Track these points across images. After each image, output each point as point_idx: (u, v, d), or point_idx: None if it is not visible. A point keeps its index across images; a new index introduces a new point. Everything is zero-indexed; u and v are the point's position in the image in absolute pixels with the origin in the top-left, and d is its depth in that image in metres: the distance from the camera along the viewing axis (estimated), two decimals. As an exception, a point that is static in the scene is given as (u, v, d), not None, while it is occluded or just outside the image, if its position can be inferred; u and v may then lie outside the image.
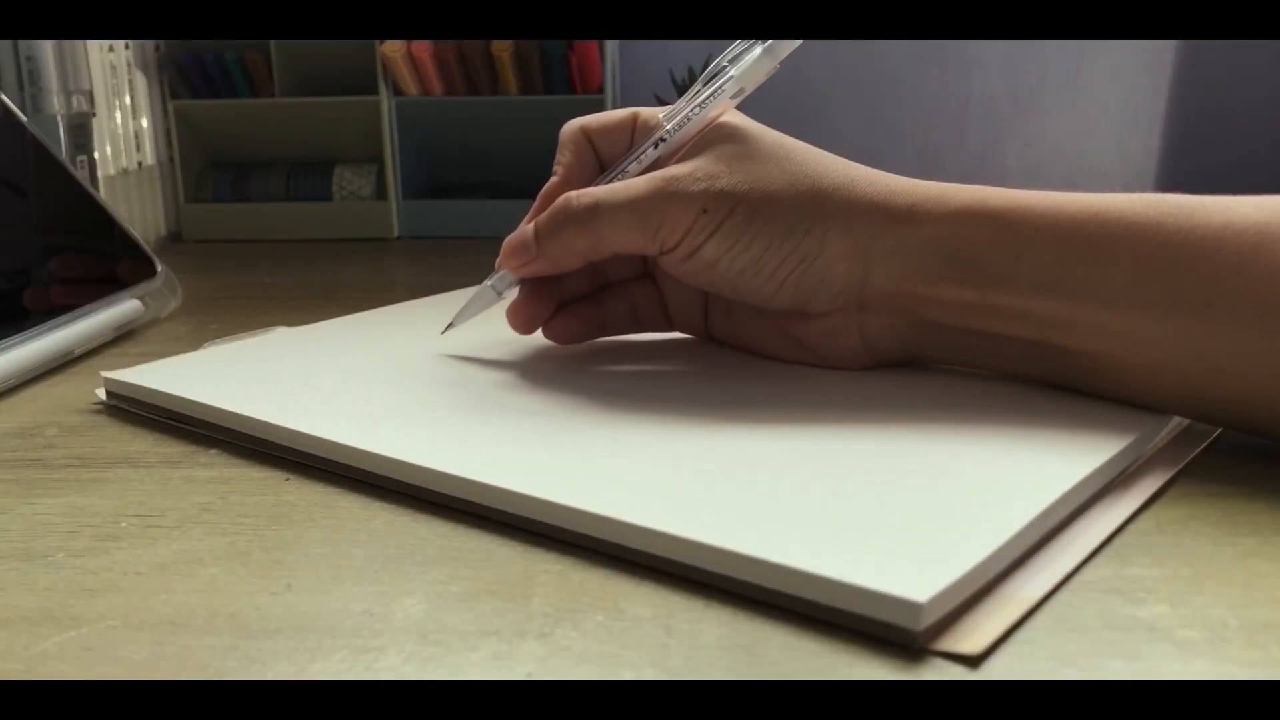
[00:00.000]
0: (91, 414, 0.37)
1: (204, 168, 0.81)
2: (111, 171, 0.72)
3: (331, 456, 0.31)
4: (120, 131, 0.73)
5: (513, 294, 0.39)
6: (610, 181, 0.36)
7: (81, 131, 0.66)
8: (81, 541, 0.27)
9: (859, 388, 0.35)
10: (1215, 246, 0.29)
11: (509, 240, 0.37)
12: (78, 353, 0.44)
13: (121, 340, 0.48)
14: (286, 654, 0.21)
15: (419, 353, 0.40)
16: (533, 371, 0.38)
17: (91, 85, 0.68)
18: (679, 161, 0.35)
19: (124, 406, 0.37)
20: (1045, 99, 0.97)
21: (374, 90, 0.76)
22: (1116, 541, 0.26)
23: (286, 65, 0.78)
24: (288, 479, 0.31)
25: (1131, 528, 0.27)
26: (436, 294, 0.52)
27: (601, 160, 0.38)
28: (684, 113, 0.36)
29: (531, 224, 0.37)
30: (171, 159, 0.79)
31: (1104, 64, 0.96)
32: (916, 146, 0.99)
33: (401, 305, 0.50)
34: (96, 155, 0.68)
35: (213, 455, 0.33)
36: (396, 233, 0.79)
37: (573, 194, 0.35)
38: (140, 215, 0.75)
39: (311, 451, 0.31)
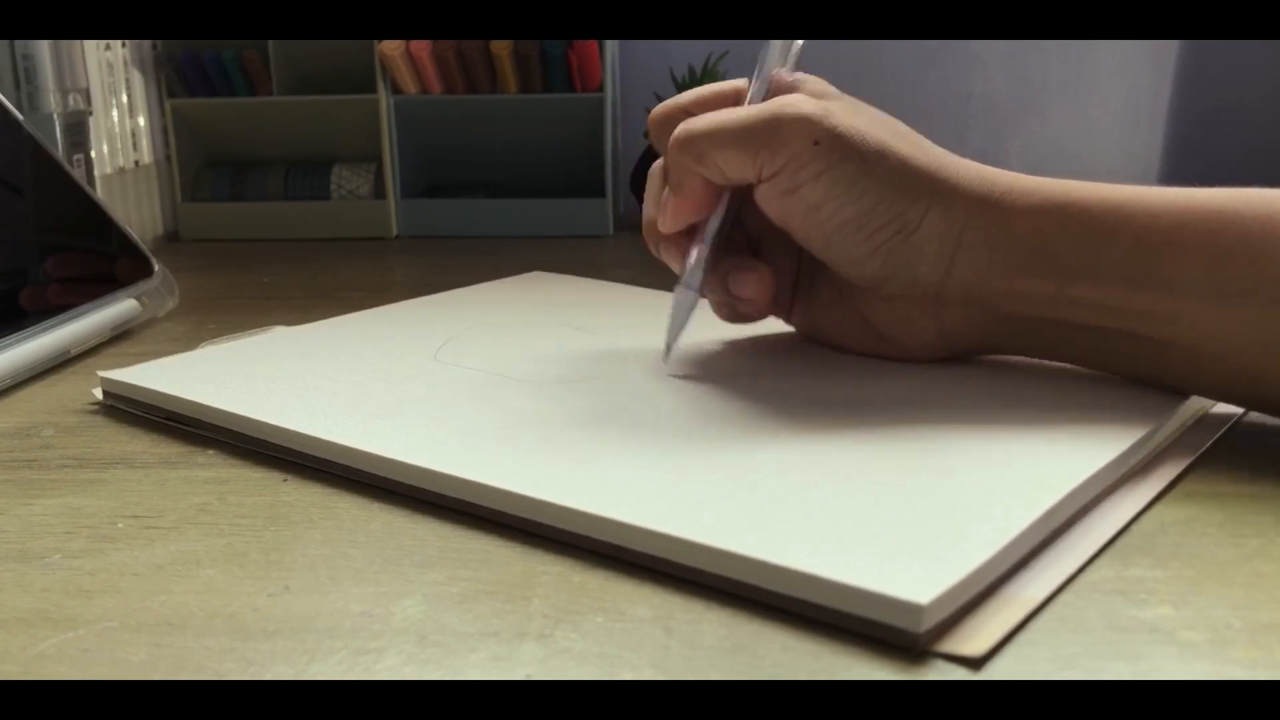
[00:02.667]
0: (88, 414, 0.37)
1: (201, 167, 0.81)
2: (108, 170, 0.72)
3: (330, 457, 0.31)
4: (117, 130, 0.73)
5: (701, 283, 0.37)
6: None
7: (78, 130, 0.66)
8: (78, 542, 0.27)
9: (860, 388, 0.35)
10: None
11: (647, 196, 0.37)
12: (74, 353, 0.44)
13: (118, 340, 0.48)
14: (285, 655, 0.21)
15: (418, 353, 0.40)
16: (532, 372, 0.38)
17: (88, 83, 0.68)
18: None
19: (121, 407, 0.37)
20: (1047, 97, 0.97)
21: (372, 89, 0.76)
22: (1119, 542, 0.26)
23: (284, 64, 0.78)
24: (285, 479, 0.31)
25: (1134, 529, 0.27)
26: (436, 293, 0.52)
27: None
28: (755, 79, 0.36)
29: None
30: (169, 158, 0.79)
31: (1107, 62, 0.96)
32: (918, 145, 0.99)
33: (400, 305, 0.50)
34: (93, 154, 0.68)
35: (210, 455, 0.33)
36: (395, 232, 0.79)
37: (689, 119, 0.35)
38: (137, 214, 0.75)
39: (310, 452, 0.31)
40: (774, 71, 0.36)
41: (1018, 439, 0.30)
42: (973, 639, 0.21)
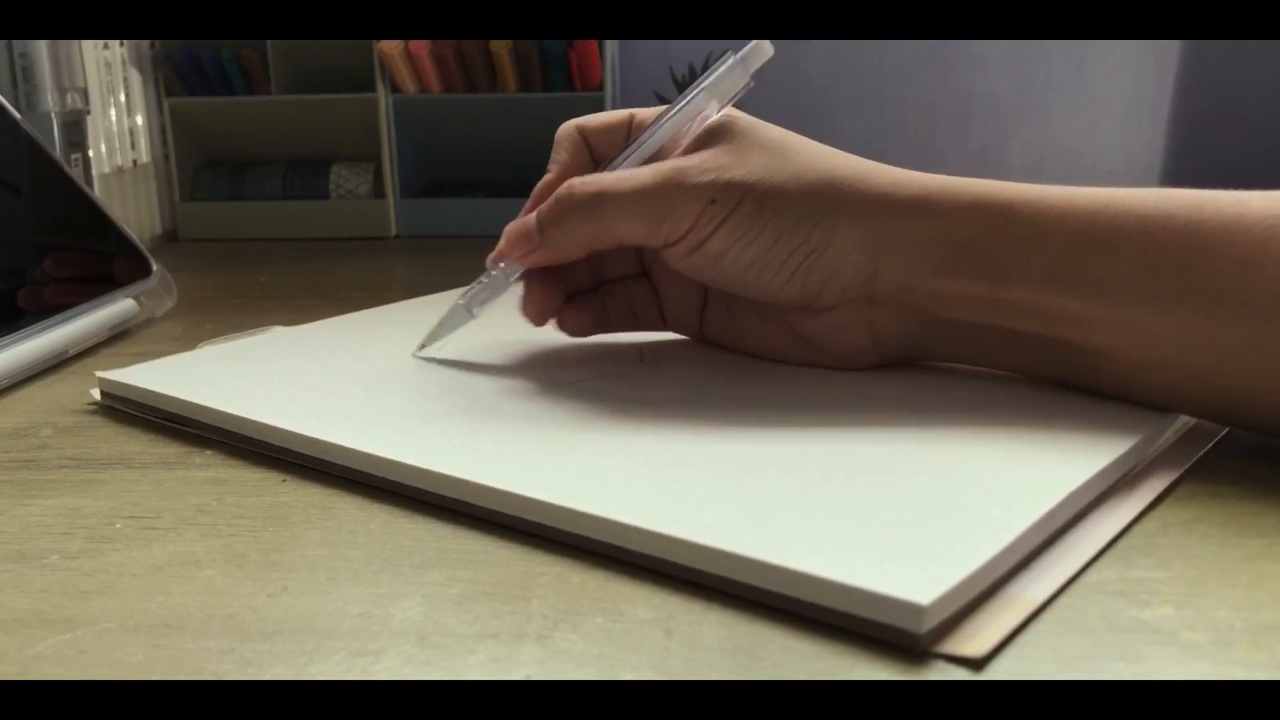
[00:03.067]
0: (86, 414, 0.37)
1: (200, 166, 0.81)
2: (106, 170, 0.72)
3: (328, 457, 0.31)
4: (115, 129, 0.73)
5: (484, 310, 0.39)
6: (623, 163, 0.36)
7: (76, 129, 0.66)
8: (76, 543, 0.27)
9: (861, 388, 0.35)
10: (1225, 240, 0.29)
11: (510, 228, 0.37)
12: (72, 353, 0.44)
13: (116, 340, 0.48)
14: (283, 656, 0.21)
15: (417, 353, 0.40)
16: (531, 373, 0.38)
17: (86, 82, 0.68)
18: (683, 154, 0.35)
19: (119, 407, 0.37)
20: (1049, 97, 0.97)
21: (371, 88, 0.76)
22: (1121, 543, 0.26)
23: (283, 63, 0.78)
24: (284, 480, 0.31)
25: (1136, 529, 0.27)
26: (434, 293, 0.52)
27: (597, 161, 0.38)
28: (667, 115, 0.36)
29: (534, 213, 0.36)
30: (167, 157, 0.79)
31: (1108, 61, 0.96)
32: (919, 144, 0.99)
33: (399, 305, 0.50)
34: (91, 153, 0.68)
35: (208, 456, 0.33)
36: (394, 231, 0.79)
37: (576, 180, 0.35)
38: (135, 214, 0.75)
39: (308, 452, 0.31)
40: (699, 111, 0.36)
41: (1019, 439, 0.30)
42: (974, 640, 0.21)
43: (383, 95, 0.76)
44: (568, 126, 0.38)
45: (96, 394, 0.38)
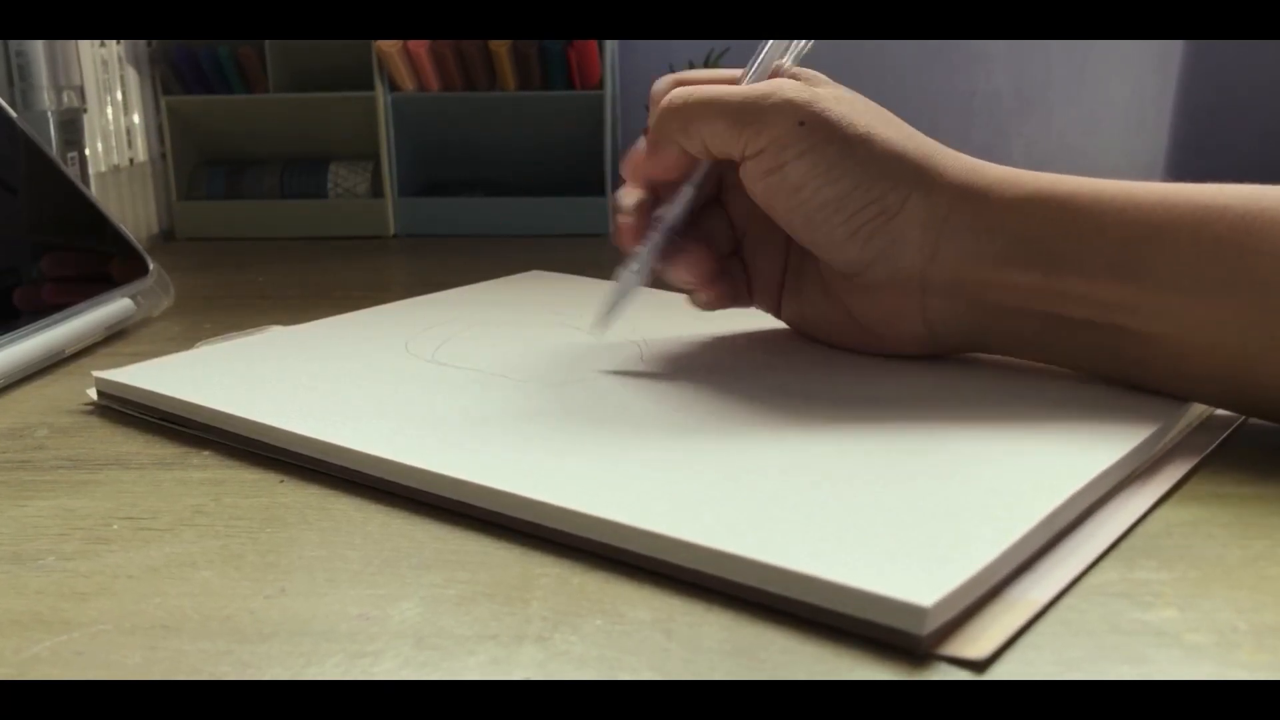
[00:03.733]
0: (83, 415, 0.37)
1: (197, 164, 0.81)
2: (103, 168, 0.72)
3: (326, 458, 0.31)
4: (112, 128, 0.73)
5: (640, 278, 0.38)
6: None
7: (72, 128, 0.66)
8: (72, 544, 0.27)
9: (863, 388, 0.35)
10: (1274, 227, 0.30)
11: (629, 151, 0.38)
12: (69, 352, 0.44)
13: (113, 340, 0.48)
14: (281, 658, 0.21)
15: (415, 353, 0.40)
16: (531, 373, 0.38)
17: (82, 81, 0.68)
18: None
19: (115, 407, 0.37)
20: (1051, 94, 0.97)
21: (369, 86, 0.76)
22: (1124, 544, 0.26)
23: (280, 61, 0.78)
24: (282, 481, 0.31)
25: (1139, 530, 0.27)
26: (433, 293, 0.52)
27: None
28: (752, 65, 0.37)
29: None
30: (164, 155, 0.79)
31: (1111, 59, 0.96)
32: (920, 143, 0.99)
33: (398, 304, 0.50)
34: (88, 152, 0.68)
35: (206, 456, 0.33)
36: (392, 231, 0.79)
37: (681, 88, 0.36)
38: (132, 213, 0.75)
39: (306, 453, 0.31)
40: (775, 63, 0.37)
41: (1021, 440, 0.30)
42: (976, 642, 0.21)
43: (381, 94, 0.76)
44: (665, 81, 0.38)
45: (93, 394, 0.38)
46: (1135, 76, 0.96)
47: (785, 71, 0.37)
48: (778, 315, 0.41)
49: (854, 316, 0.37)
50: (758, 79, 0.36)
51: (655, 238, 0.37)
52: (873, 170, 0.34)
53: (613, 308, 0.39)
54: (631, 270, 0.38)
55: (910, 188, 0.34)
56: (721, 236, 0.39)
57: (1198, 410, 0.34)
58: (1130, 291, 0.31)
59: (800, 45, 0.37)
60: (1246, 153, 0.93)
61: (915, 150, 0.34)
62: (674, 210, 0.37)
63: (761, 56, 0.37)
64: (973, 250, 0.34)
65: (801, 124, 0.34)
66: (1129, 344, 0.32)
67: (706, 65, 0.78)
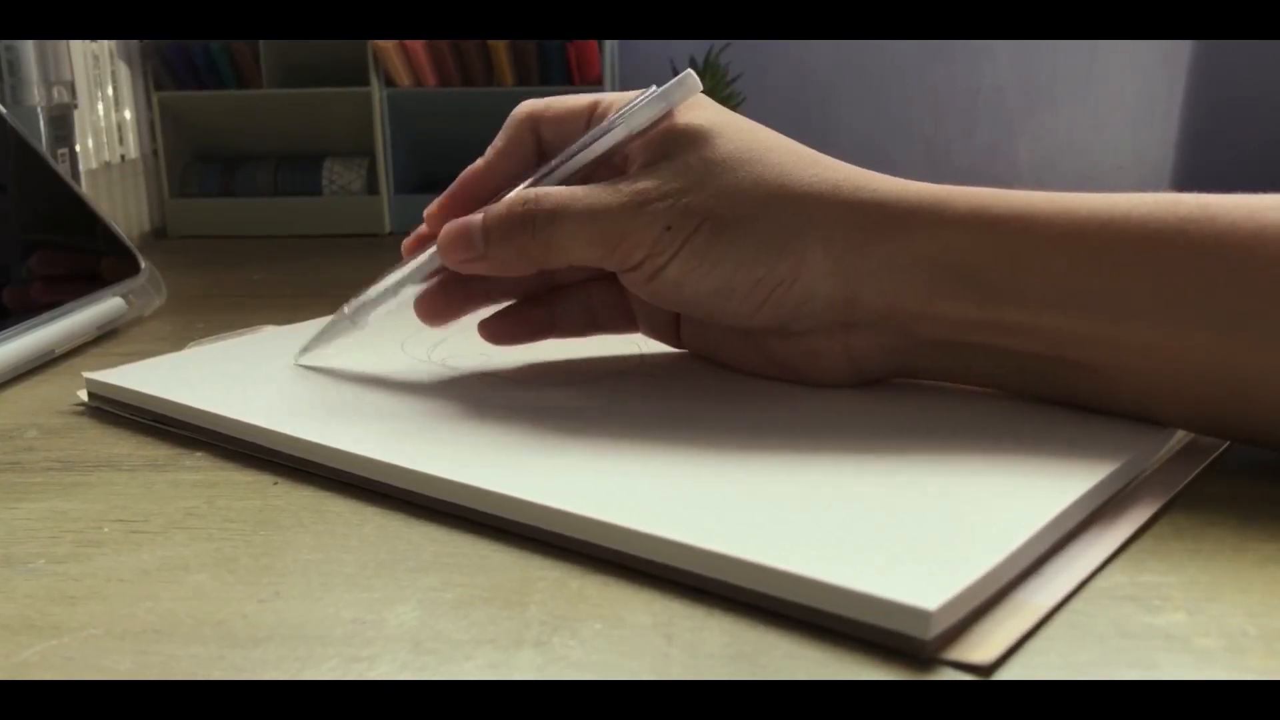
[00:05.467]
0: (73, 416, 0.37)
1: (189, 161, 0.81)
2: (94, 165, 0.72)
3: (321, 460, 0.31)
4: (103, 124, 0.73)
5: (362, 328, 0.37)
6: (541, 181, 0.34)
7: (62, 124, 0.66)
8: (63, 547, 0.27)
9: (867, 397, 0.35)
10: (1245, 260, 0.28)
11: (450, 229, 0.34)
12: (59, 352, 0.44)
13: (104, 340, 0.48)
14: (275, 663, 0.21)
15: (411, 354, 0.40)
16: (529, 374, 0.38)
17: (73, 76, 0.68)
18: (645, 165, 0.33)
19: (106, 408, 0.37)
20: (1057, 91, 0.97)
21: (365, 81, 0.76)
22: (1131, 547, 0.26)
23: (274, 56, 0.78)
24: (276, 482, 0.31)
25: (1147, 533, 0.27)
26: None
27: (545, 150, 0.36)
28: (589, 139, 0.34)
29: (480, 216, 0.34)
30: (156, 152, 0.79)
31: (1118, 55, 0.96)
32: (925, 140, 0.99)
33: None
34: (78, 148, 0.68)
35: (198, 458, 0.33)
36: (388, 228, 0.79)
37: (533, 193, 0.33)
38: (123, 210, 0.75)
39: (300, 454, 0.31)
40: (658, 112, 0.34)
41: (1027, 444, 0.30)
42: (981, 646, 0.21)
43: (376, 89, 0.76)
44: (518, 111, 0.36)
45: (83, 395, 0.38)
46: (1143, 72, 0.96)
47: (669, 116, 0.34)
48: (675, 346, 0.39)
49: (771, 357, 0.35)
50: (635, 120, 0.34)
51: (392, 286, 0.36)
52: (750, 245, 0.32)
53: (323, 341, 0.38)
54: (345, 316, 0.37)
55: (801, 244, 0.31)
56: (519, 279, 0.37)
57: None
58: (1078, 323, 0.29)
59: (682, 80, 0.34)
60: (1256, 149, 0.93)
61: (806, 194, 0.32)
62: (411, 268, 0.36)
63: (634, 108, 0.34)
64: (895, 285, 0.31)
65: (668, 228, 0.32)
66: (1082, 377, 0.31)
67: (707, 62, 0.78)
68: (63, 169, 0.61)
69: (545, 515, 0.26)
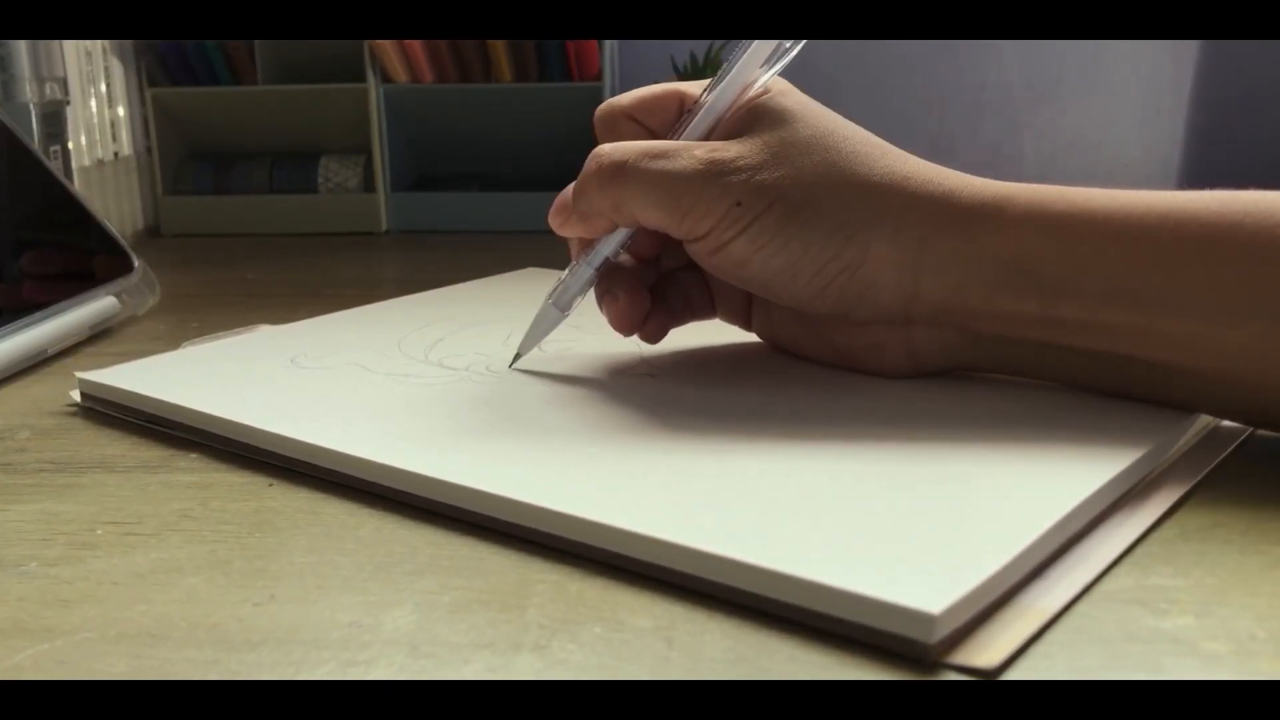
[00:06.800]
0: (66, 416, 0.37)
1: (183, 158, 0.81)
2: (86, 162, 0.72)
3: (317, 461, 0.31)
4: (96, 120, 0.73)
5: (574, 307, 0.37)
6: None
7: (55, 120, 0.66)
8: (55, 550, 0.27)
9: (870, 396, 0.35)
10: None
11: (558, 197, 0.36)
12: (51, 352, 0.44)
13: (97, 339, 0.48)
14: (270, 667, 0.21)
15: (408, 353, 0.40)
16: (527, 375, 0.38)
17: (65, 72, 0.68)
18: (725, 138, 0.34)
19: (100, 409, 0.37)
20: (1063, 87, 0.97)
21: (361, 78, 0.76)
22: (1138, 550, 0.26)
23: (270, 52, 0.78)
24: (271, 484, 0.31)
25: (1154, 536, 0.27)
26: (427, 291, 0.52)
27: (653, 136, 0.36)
28: (716, 84, 0.35)
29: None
30: (149, 149, 0.79)
31: (1125, 50, 0.95)
32: (929, 135, 0.99)
33: (390, 302, 0.50)
34: (71, 145, 0.68)
35: (193, 459, 0.33)
36: (385, 226, 0.79)
37: (604, 147, 0.34)
38: (117, 208, 0.75)
39: (296, 456, 0.31)
40: (749, 79, 0.35)
41: (1031, 445, 0.30)
42: (986, 650, 0.21)
43: (373, 85, 0.76)
44: (604, 109, 0.37)
45: (76, 395, 0.38)
46: (1150, 67, 0.96)
47: (755, 93, 0.35)
48: (747, 329, 0.40)
49: (831, 344, 0.36)
50: (723, 101, 0.34)
51: (586, 271, 0.37)
52: (821, 230, 0.32)
53: (535, 339, 0.38)
54: (554, 305, 0.37)
55: (871, 233, 0.32)
56: (653, 259, 0.38)
57: (1211, 416, 0.34)
58: (1135, 319, 0.30)
59: (785, 49, 0.35)
60: (1265, 145, 0.93)
61: (879, 184, 0.32)
62: (607, 247, 0.36)
63: (732, 74, 0.34)
64: (958, 281, 0.32)
65: (739, 204, 0.32)
66: (1137, 371, 0.32)
67: (708, 59, 0.78)
68: (55, 166, 0.61)
69: (544, 517, 0.26)
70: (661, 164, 0.33)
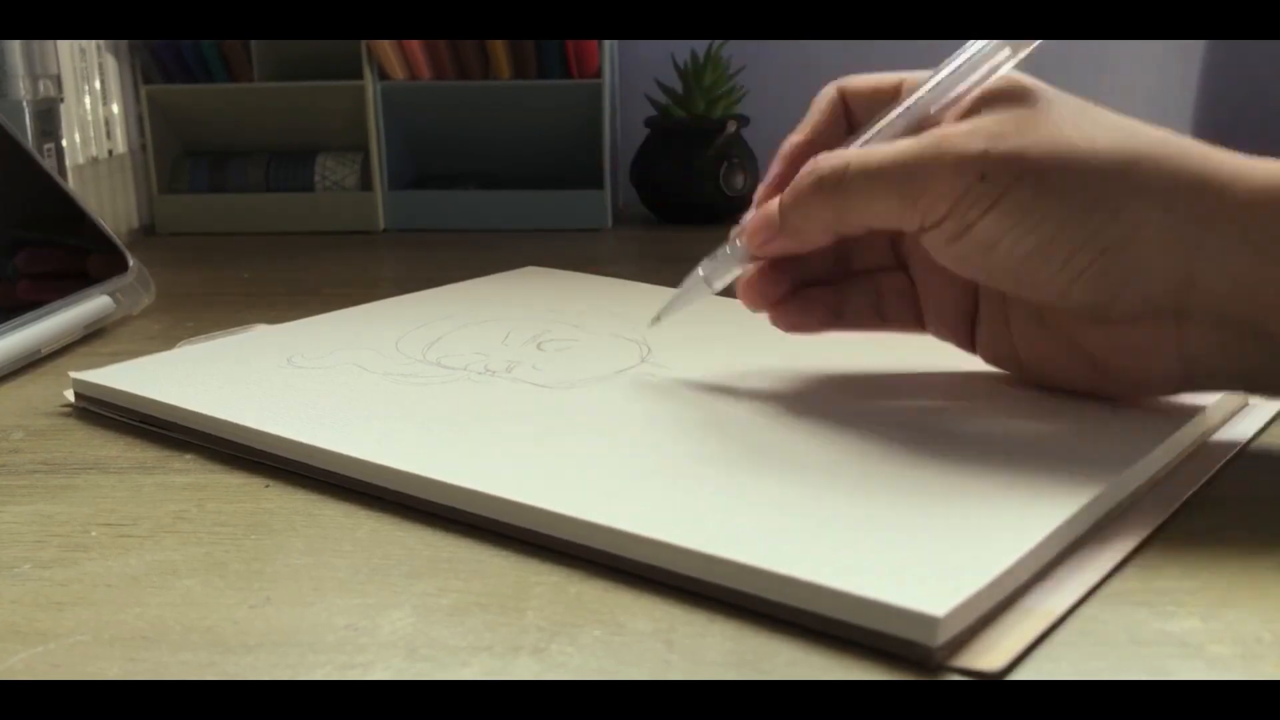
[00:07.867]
0: (60, 417, 0.37)
1: (179, 156, 0.81)
2: (80, 160, 0.72)
3: (313, 462, 0.31)
4: (90, 118, 0.73)
5: (723, 284, 0.36)
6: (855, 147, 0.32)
7: (49, 118, 0.66)
8: (49, 552, 0.27)
9: (873, 398, 0.35)
10: None
11: (756, 215, 0.33)
12: (45, 352, 0.44)
13: (92, 339, 0.48)
14: (266, 670, 0.21)
15: (406, 352, 0.40)
16: (526, 373, 0.38)
17: (59, 69, 0.68)
18: (954, 120, 0.31)
19: (94, 409, 0.37)
20: (1068, 85, 0.97)
21: (358, 75, 0.76)
22: (1144, 552, 0.26)
23: (266, 49, 0.78)
24: (267, 485, 0.31)
25: (1160, 537, 0.27)
26: (425, 290, 0.52)
27: (853, 126, 0.34)
28: (946, 72, 0.32)
29: (778, 197, 0.33)
30: (144, 147, 0.79)
31: (1131, 48, 0.96)
32: (932, 134, 0.99)
33: (388, 302, 0.50)
34: (65, 143, 0.68)
35: (188, 460, 0.33)
36: (382, 225, 0.79)
37: (821, 155, 0.31)
38: (111, 207, 0.75)
39: (292, 457, 0.31)
40: (987, 69, 0.31)
41: (1038, 448, 0.30)
42: (990, 653, 0.21)
43: (370, 83, 0.76)
44: (828, 88, 0.34)
45: (70, 395, 0.38)
46: (1156, 63, 0.96)
47: (991, 83, 0.31)
48: (969, 350, 0.35)
49: (1083, 353, 0.31)
50: (912, 118, 0.32)
51: (739, 250, 0.35)
52: (1080, 203, 0.28)
53: (677, 307, 0.37)
54: (699, 276, 0.36)
55: (1139, 206, 0.28)
56: (819, 259, 0.35)
57: (1215, 418, 0.34)
58: None
59: (1025, 47, 0.32)
60: (1273, 144, 0.93)
61: (1143, 152, 0.29)
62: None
63: (965, 60, 0.31)
64: (1247, 272, 0.28)
65: (983, 178, 0.28)
66: None
67: (709, 54, 0.78)
68: (49, 164, 0.61)
69: (543, 519, 0.26)
70: (885, 154, 0.30)
